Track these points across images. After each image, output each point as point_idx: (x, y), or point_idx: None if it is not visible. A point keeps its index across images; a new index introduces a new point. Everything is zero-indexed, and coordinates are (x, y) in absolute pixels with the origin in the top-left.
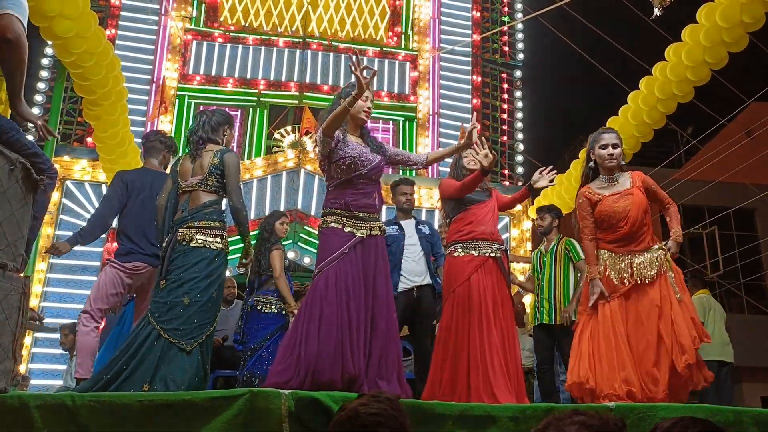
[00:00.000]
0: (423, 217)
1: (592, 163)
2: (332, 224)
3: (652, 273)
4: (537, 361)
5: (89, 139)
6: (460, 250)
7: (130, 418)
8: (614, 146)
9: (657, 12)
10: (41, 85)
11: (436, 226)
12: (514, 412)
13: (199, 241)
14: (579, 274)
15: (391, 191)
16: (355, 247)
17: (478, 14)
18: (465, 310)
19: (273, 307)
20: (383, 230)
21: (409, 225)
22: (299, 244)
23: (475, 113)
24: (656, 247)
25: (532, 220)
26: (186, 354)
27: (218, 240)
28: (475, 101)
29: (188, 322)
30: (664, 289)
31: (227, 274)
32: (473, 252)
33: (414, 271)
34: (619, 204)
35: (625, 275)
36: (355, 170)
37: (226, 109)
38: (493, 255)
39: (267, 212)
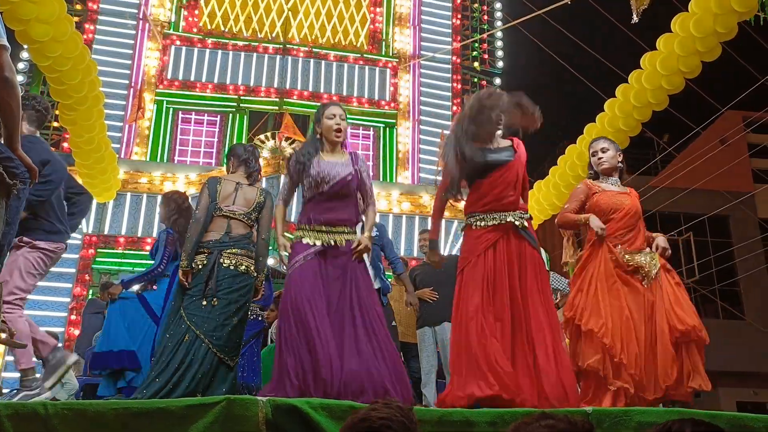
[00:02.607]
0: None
1: (591, 171)
2: (296, 238)
3: (655, 271)
4: None
5: (65, 144)
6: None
7: (103, 427)
8: (603, 150)
9: (635, 17)
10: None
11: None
12: (493, 417)
13: (245, 268)
14: None
15: None
16: (316, 256)
17: (458, 22)
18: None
19: (249, 313)
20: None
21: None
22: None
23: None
24: (649, 249)
25: None
26: (230, 369)
27: (253, 268)
28: (454, 108)
29: (234, 339)
30: (662, 283)
31: None
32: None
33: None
34: (617, 198)
35: (626, 263)
36: (317, 189)
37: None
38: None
39: None
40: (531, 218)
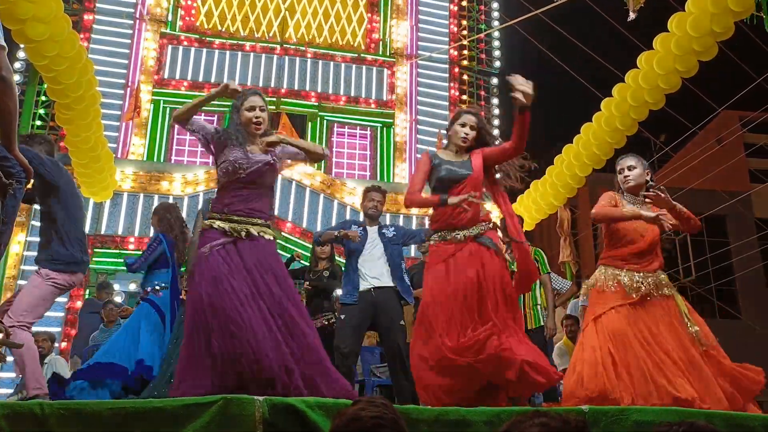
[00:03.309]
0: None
1: (619, 190)
2: (207, 225)
3: (661, 291)
4: None
5: (62, 144)
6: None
7: (100, 426)
8: (630, 168)
9: (632, 15)
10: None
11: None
12: (489, 416)
13: None
14: (543, 287)
15: (362, 196)
16: (225, 247)
17: (455, 22)
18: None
19: None
20: (267, 233)
21: (372, 231)
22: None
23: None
24: (662, 273)
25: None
26: None
27: None
28: (451, 108)
29: None
30: (674, 316)
31: None
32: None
33: (370, 273)
34: (640, 225)
35: (636, 286)
36: (234, 174)
37: (202, 114)
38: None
39: None
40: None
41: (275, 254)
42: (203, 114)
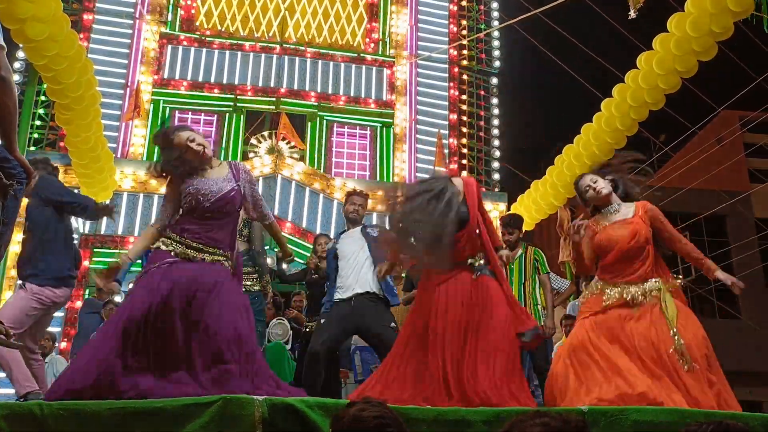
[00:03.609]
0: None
1: (589, 209)
2: (162, 246)
3: (641, 299)
4: None
5: (61, 144)
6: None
7: (99, 427)
8: (593, 182)
9: (633, 14)
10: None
11: None
12: (488, 416)
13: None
14: (543, 287)
15: (344, 200)
16: (169, 265)
17: (455, 22)
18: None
19: None
20: (224, 261)
21: (355, 233)
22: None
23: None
24: (654, 280)
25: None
26: None
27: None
28: (452, 114)
29: None
30: (658, 325)
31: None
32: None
33: (350, 281)
34: (617, 232)
35: (615, 297)
36: (198, 206)
37: (202, 114)
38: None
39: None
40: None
41: (226, 275)
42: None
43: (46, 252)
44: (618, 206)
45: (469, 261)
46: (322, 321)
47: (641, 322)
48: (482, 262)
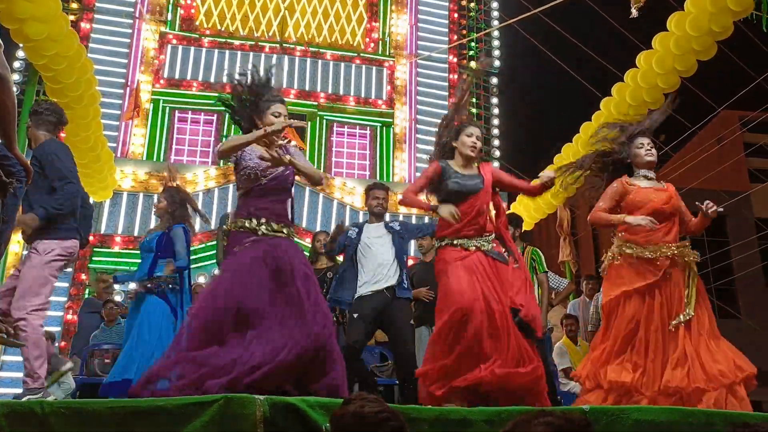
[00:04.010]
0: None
1: (626, 163)
2: (235, 228)
3: (679, 260)
4: None
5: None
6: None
7: (100, 426)
8: (650, 146)
9: (634, 12)
10: (14, 88)
11: None
12: (490, 416)
13: None
14: (540, 286)
15: (365, 195)
16: (252, 246)
17: (455, 21)
18: None
19: None
20: (288, 234)
21: (378, 227)
22: None
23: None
24: (688, 246)
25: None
26: None
27: None
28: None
29: None
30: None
31: None
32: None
33: (379, 276)
34: (652, 194)
35: (649, 267)
36: (256, 181)
37: (201, 114)
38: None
39: None
40: (499, 237)
41: (296, 250)
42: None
43: (54, 210)
44: (653, 176)
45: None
46: (355, 315)
47: (675, 287)
48: (493, 246)
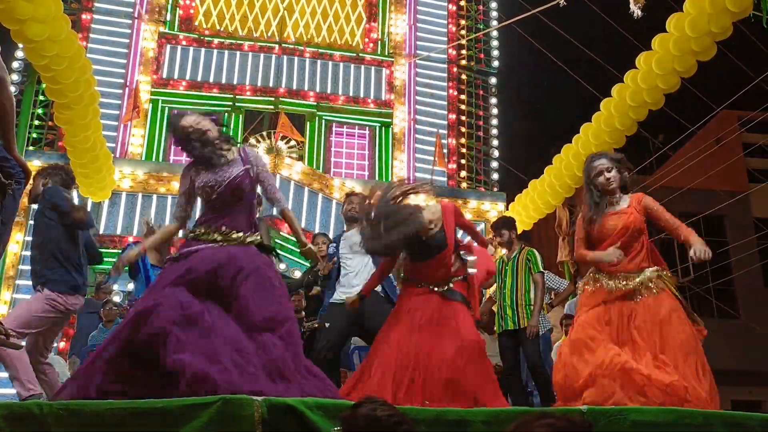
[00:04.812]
0: None
1: (597, 194)
2: (187, 237)
3: (644, 292)
4: (504, 366)
5: (60, 143)
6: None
7: (99, 426)
8: (608, 170)
9: (637, 12)
10: (12, 89)
11: None
12: (488, 416)
13: None
14: (535, 286)
15: (343, 201)
16: (190, 254)
17: (454, 21)
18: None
19: None
20: (247, 241)
21: (354, 233)
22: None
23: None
24: (653, 269)
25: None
26: None
27: None
28: (450, 114)
29: None
30: (667, 305)
31: None
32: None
33: (351, 283)
34: (611, 223)
35: (617, 287)
36: (210, 195)
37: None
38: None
39: None
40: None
41: (253, 252)
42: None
43: (62, 265)
44: (618, 198)
45: (437, 286)
46: (327, 324)
47: (641, 311)
48: (452, 286)
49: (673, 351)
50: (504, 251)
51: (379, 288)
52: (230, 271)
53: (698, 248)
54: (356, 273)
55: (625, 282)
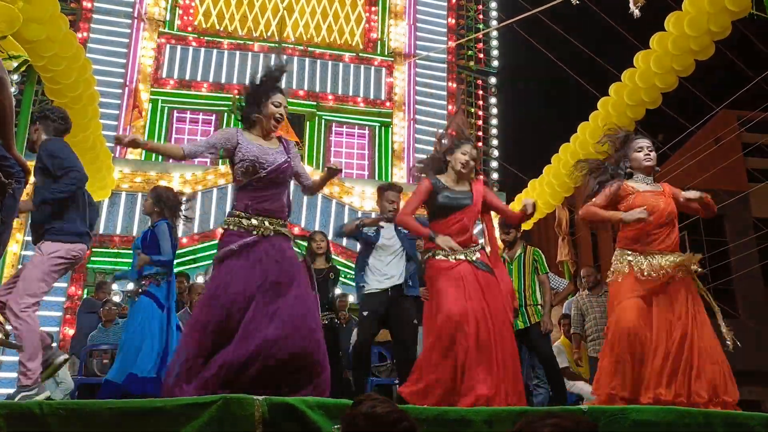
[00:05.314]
0: None
1: (627, 169)
2: (231, 226)
3: (681, 272)
4: None
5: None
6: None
7: (100, 426)
8: (650, 149)
9: (636, 11)
10: (12, 89)
11: None
12: (489, 416)
13: None
14: (542, 286)
15: (378, 195)
16: (248, 246)
17: (453, 21)
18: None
19: None
20: (285, 233)
21: (389, 228)
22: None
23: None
24: (688, 254)
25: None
26: None
27: None
28: (450, 107)
29: None
30: (692, 303)
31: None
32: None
33: (385, 271)
34: (653, 200)
35: (648, 273)
36: (254, 173)
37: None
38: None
39: None
40: (483, 248)
41: (292, 252)
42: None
43: (62, 217)
44: (651, 180)
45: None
46: (365, 313)
47: (675, 298)
48: (479, 256)
49: (704, 341)
50: (505, 250)
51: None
52: None
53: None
54: (388, 264)
55: (661, 262)
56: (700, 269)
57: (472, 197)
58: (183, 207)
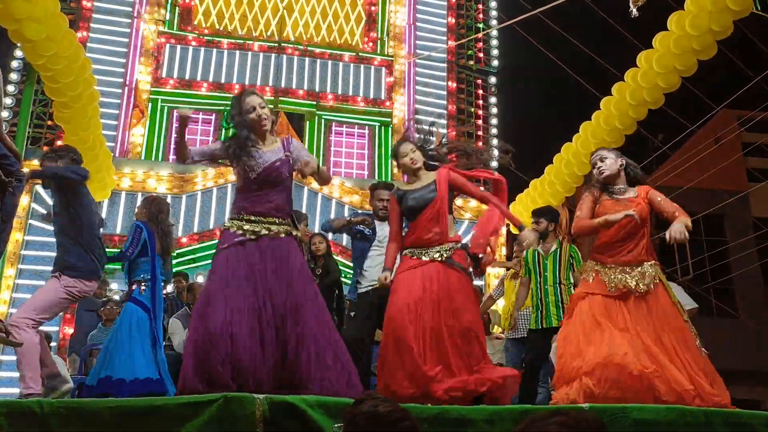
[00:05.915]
0: None
1: (597, 185)
2: (228, 227)
3: (643, 285)
4: (529, 365)
5: (59, 143)
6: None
7: (100, 426)
8: (601, 159)
9: (635, 11)
10: (11, 88)
11: None
12: (490, 414)
13: None
14: (576, 284)
15: (369, 194)
16: (241, 245)
17: (454, 21)
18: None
19: None
20: (285, 232)
21: (383, 227)
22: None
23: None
24: (650, 263)
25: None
26: None
27: None
28: (450, 107)
29: None
30: (663, 302)
31: None
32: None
33: (374, 274)
34: (615, 209)
35: (616, 285)
36: (245, 176)
37: (200, 113)
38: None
39: None
40: (457, 248)
41: (294, 252)
42: (201, 113)
43: (81, 249)
44: (623, 188)
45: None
46: (352, 314)
47: (641, 307)
48: (450, 255)
49: (673, 343)
50: (540, 245)
51: None
52: None
53: (673, 228)
54: (380, 264)
55: (624, 275)
56: (663, 277)
57: (436, 188)
58: (167, 216)
